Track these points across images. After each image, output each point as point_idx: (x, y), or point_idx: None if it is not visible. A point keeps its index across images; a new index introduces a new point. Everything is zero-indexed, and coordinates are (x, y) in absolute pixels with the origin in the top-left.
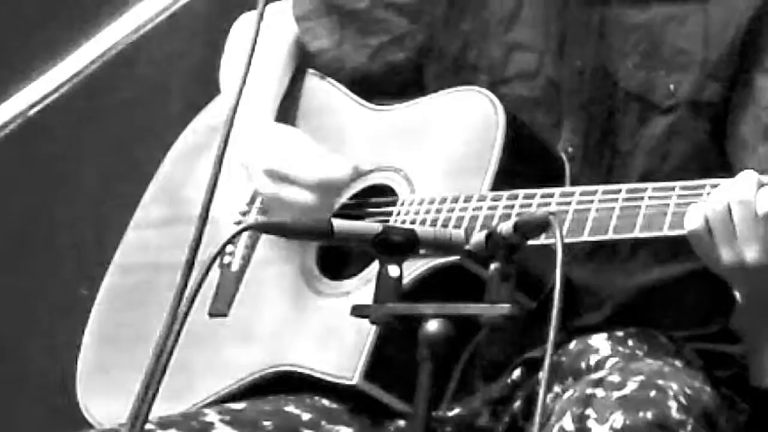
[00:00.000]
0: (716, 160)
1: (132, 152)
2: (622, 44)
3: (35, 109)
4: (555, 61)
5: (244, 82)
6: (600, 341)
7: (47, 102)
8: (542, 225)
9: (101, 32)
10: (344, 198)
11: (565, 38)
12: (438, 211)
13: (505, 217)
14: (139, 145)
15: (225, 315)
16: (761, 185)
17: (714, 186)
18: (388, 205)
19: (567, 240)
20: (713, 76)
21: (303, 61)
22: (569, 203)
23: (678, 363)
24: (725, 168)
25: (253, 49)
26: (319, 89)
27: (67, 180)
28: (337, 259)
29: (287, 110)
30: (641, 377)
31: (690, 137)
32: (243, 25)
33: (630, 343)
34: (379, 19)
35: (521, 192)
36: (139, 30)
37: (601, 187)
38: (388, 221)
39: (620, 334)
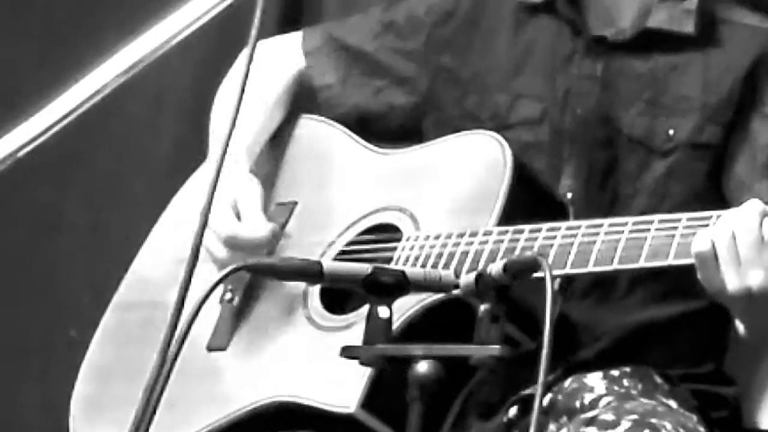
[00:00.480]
0: (713, 201)
1: (122, 191)
2: (626, 93)
3: (25, 150)
4: (559, 110)
5: (233, 123)
6: (595, 380)
7: (38, 142)
8: (531, 266)
9: (91, 72)
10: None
11: (569, 88)
12: (442, 246)
13: (510, 251)
14: (130, 184)
15: (224, 349)
16: (765, 214)
17: (720, 216)
18: (392, 242)
19: (572, 272)
20: (712, 120)
21: (303, 97)
22: (575, 236)
23: (672, 403)
24: (722, 208)
25: (243, 85)
26: (320, 132)
27: (57, 219)
28: (338, 292)
29: (283, 153)
30: (635, 416)
31: (688, 179)
32: (243, 60)
33: (625, 382)
34: (384, 62)
35: (527, 227)
36: (129, 70)
37: (607, 221)
38: (390, 259)
39: (615, 373)
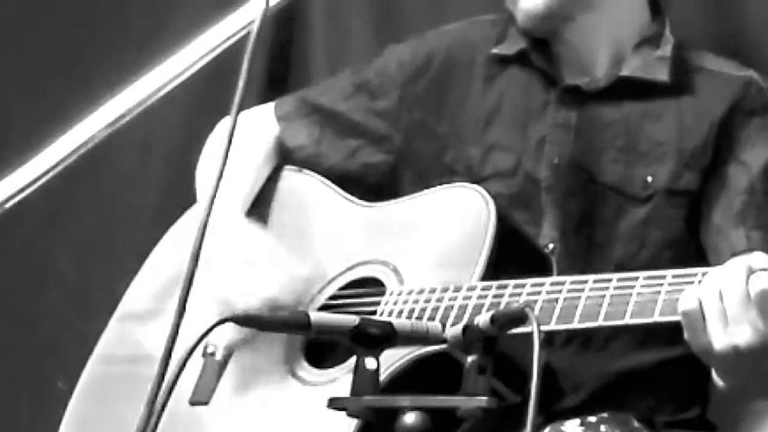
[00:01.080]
0: (690, 247)
1: (109, 242)
2: (600, 140)
3: (12, 201)
4: (532, 159)
5: (218, 179)
6: (572, 427)
7: (25, 193)
8: (519, 317)
9: (78, 123)
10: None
11: (543, 137)
12: (426, 300)
13: (495, 306)
14: (117, 235)
15: (206, 403)
16: (751, 271)
17: (705, 274)
18: (375, 296)
19: (557, 327)
20: (689, 166)
21: (281, 159)
22: (560, 291)
23: None
24: (699, 255)
25: (227, 151)
26: (302, 184)
27: (45, 271)
28: (322, 347)
29: (268, 204)
30: None
31: (666, 225)
32: (223, 127)
33: (602, 428)
34: (358, 122)
35: (511, 282)
36: (117, 121)
37: (591, 277)
38: (374, 312)
39: (593, 419)
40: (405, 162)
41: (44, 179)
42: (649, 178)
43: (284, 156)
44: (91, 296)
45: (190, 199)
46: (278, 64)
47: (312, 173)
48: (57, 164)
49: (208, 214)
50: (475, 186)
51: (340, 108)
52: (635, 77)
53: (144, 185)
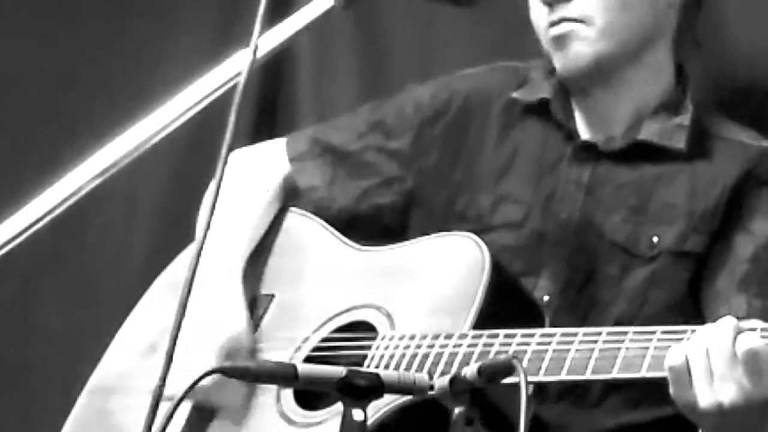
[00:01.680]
0: (691, 309)
1: (96, 294)
2: (611, 200)
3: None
4: (541, 212)
5: (207, 227)
6: None
7: (12, 245)
8: (506, 369)
9: (66, 174)
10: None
11: (553, 192)
12: (417, 347)
13: (484, 356)
14: (104, 287)
15: None
16: (739, 331)
17: (695, 332)
18: (366, 341)
19: (545, 379)
20: (697, 229)
21: (289, 198)
22: (549, 343)
23: None
24: (699, 317)
25: (213, 205)
26: (302, 226)
27: (31, 322)
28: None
29: (269, 245)
30: None
31: (669, 286)
32: (234, 162)
33: None
34: (370, 162)
35: (501, 332)
36: (104, 173)
37: (581, 330)
38: (365, 357)
39: None
40: (415, 205)
41: (31, 230)
42: (655, 239)
43: (294, 195)
44: (77, 347)
45: (176, 251)
46: (265, 114)
47: (315, 218)
48: (44, 215)
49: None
50: (471, 234)
51: (353, 148)
52: (652, 142)
53: (131, 236)
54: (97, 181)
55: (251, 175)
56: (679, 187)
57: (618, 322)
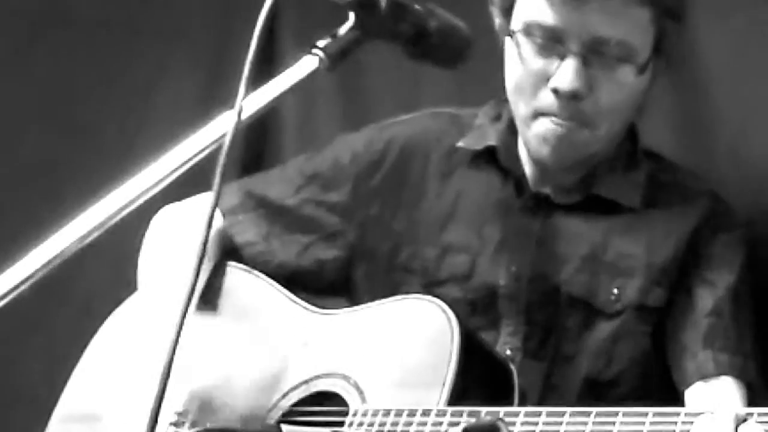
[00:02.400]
0: (657, 363)
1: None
2: (563, 250)
3: None
4: (490, 264)
5: (197, 275)
6: None
7: None
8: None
9: (50, 239)
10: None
11: (502, 243)
12: (394, 424)
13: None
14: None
15: None
16: (740, 420)
17: (688, 414)
18: (339, 414)
19: None
20: (658, 282)
21: (227, 254)
22: (536, 423)
23: None
24: (665, 372)
25: (202, 254)
26: (248, 285)
27: (15, 386)
28: None
29: (214, 307)
30: None
31: (634, 341)
32: (164, 217)
33: None
34: (309, 217)
35: (483, 409)
36: (89, 235)
37: (569, 409)
38: None
39: None
40: (359, 258)
41: (15, 292)
42: (615, 290)
43: (232, 251)
44: None
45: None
46: (250, 175)
47: (259, 274)
48: (28, 277)
49: (179, 331)
50: (436, 300)
51: (290, 202)
52: (607, 198)
53: (117, 299)
54: (82, 244)
55: (183, 230)
56: (635, 238)
57: (588, 380)
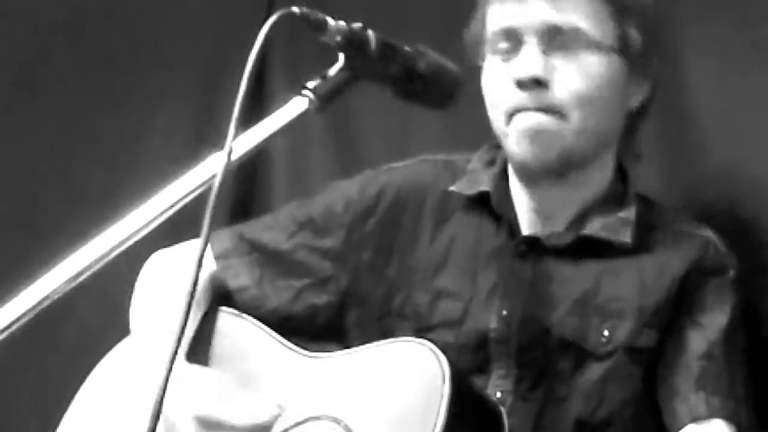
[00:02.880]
0: (646, 402)
1: (72, 397)
2: (555, 294)
3: None
4: (482, 309)
5: (184, 321)
6: None
7: None
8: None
9: (39, 280)
10: None
11: (494, 287)
12: None
13: None
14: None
15: None
16: None
17: None
18: None
19: None
20: (649, 324)
21: (220, 298)
22: None
23: None
24: (657, 414)
25: (191, 295)
26: (239, 329)
27: (6, 425)
28: None
29: (205, 352)
30: None
31: (625, 382)
32: (155, 262)
33: None
34: (302, 262)
35: None
36: (79, 275)
37: None
38: None
39: None
40: (352, 303)
41: (4, 334)
42: (606, 332)
43: (224, 296)
44: None
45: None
46: (240, 217)
47: (251, 319)
48: (17, 319)
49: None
50: (427, 343)
51: (283, 247)
52: (598, 237)
53: (107, 339)
54: (72, 285)
55: (174, 275)
56: (627, 281)
57: (579, 422)
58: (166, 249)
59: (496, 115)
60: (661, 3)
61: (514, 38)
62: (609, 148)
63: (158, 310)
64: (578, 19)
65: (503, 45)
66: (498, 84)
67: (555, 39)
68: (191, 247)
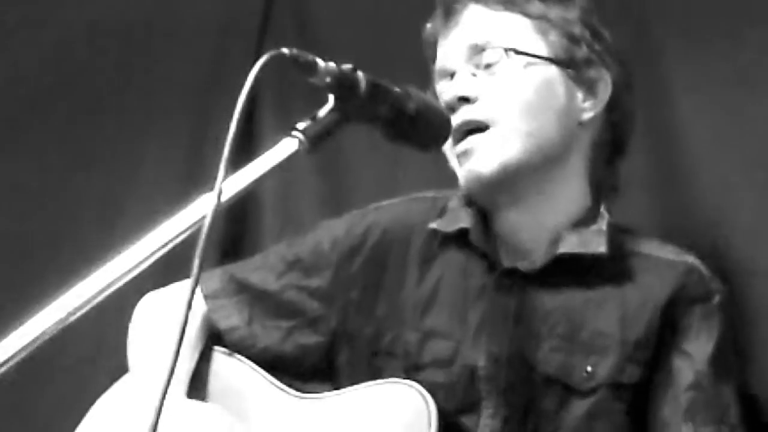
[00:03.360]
0: None
1: None
2: (539, 329)
3: None
4: (471, 347)
5: (174, 360)
6: None
7: None
8: None
9: (29, 320)
10: None
11: (481, 324)
12: None
13: None
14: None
15: None
16: None
17: None
18: None
19: None
20: (632, 359)
21: (212, 339)
22: None
23: None
24: None
25: (181, 336)
26: (233, 369)
27: None
28: None
29: (198, 391)
30: None
31: (609, 418)
32: (148, 303)
33: None
34: (291, 302)
35: None
36: (69, 316)
37: None
38: None
39: None
40: (341, 342)
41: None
42: (589, 368)
43: (216, 336)
44: None
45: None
46: (230, 258)
47: (243, 359)
48: (7, 360)
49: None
50: (415, 384)
51: (272, 288)
52: (573, 253)
53: (96, 382)
54: (61, 326)
55: (166, 317)
56: (609, 313)
57: None
58: (157, 290)
59: (448, 154)
60: (650, 37)
61: (449, 72)
62: (565, 165)
63: (150, 352)
64: (500, 36)
65: (444, 83)
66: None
67: (481, 59)
68: (182, 287)
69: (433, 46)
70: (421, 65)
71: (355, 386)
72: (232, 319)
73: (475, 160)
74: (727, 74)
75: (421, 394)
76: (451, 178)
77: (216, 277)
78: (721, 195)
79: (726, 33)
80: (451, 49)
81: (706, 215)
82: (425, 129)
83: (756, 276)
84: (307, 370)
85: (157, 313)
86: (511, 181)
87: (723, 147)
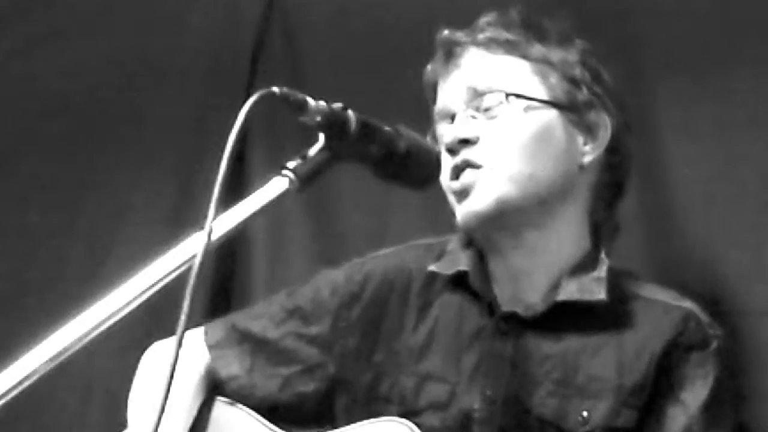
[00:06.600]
0: None
1: None
2: (535, 373)
3: None
4: (467, 391)
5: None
6: None
7: None
8: None
9: (19, 359)
10: None
11: (477, 367)
12: None
13: None
14: None
15: None
16: None
17: None
18: None
19: None
20: (627, 404)
21: (213, 388)
22: None
23: None
24: None
25: (169, 384)
26: (231, 417)
27: None
28: None
29: None
30: None
31: None
32: (152, 354)
33: None
34: (290, 349)
35: None
36: (58, 356)
37: None
38: None
39: None
40: (339, 389)
41: None
42: (585, 413)
43: (217, 385)
44: None
45: None
46: (220, 296)
47: (243, 408)
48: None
49: None
50: (407, 422)
51: (272, 335)
52: (573, 300)
53: (85, 422)
54: (51, 366)
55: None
56: (606, 359)
57: None
58: (164, 340)
59: (447, 196)
60: (642, 78)
61: (450, 113)
62: (565, 207)
63: (153, 402)
64: (501, 80)
65: (444, 122)
66: (443, 164)
67: (481, 102)
68: (189, 337)
69: (434, 87)
70: (411, 104)
71: (352, 425)
72: (233, 368)
73: (472, 197)
74: (719, 115)
75: (411, 428)
76: (442, 219)
77: (219, 327)
78: (713, 235)
79: (718, 74)
80: (451, 92)
81: (698, 255)
82: (416, 167)
83: (750, 316)
84: (306, 416)
85: (160, 365)
86: (508, 218)
87: (715, 187)
